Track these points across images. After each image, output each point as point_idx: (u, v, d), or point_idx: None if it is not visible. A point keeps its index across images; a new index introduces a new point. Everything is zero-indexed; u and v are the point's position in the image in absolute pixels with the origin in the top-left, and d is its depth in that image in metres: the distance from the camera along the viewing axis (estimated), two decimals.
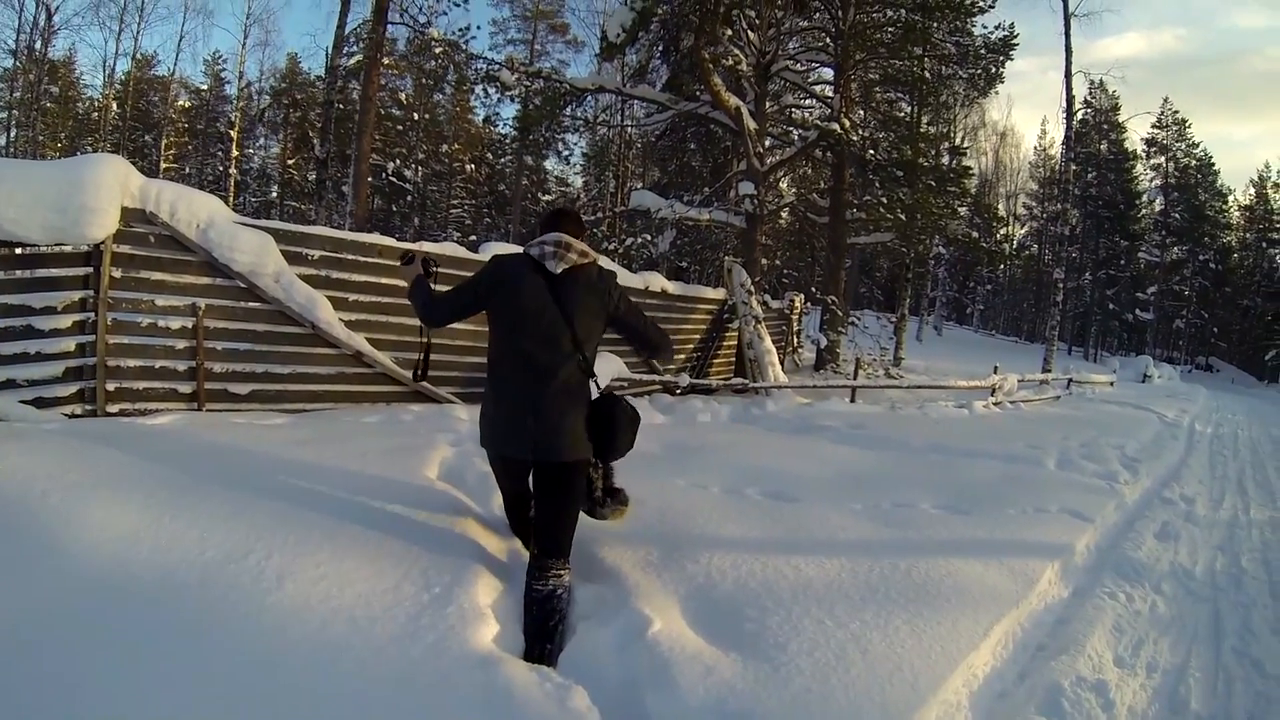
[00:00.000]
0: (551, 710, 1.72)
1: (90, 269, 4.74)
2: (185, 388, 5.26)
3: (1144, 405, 11.97)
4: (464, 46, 15.74)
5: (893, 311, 21.94)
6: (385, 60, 23.41)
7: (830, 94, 14.33)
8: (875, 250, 19.54)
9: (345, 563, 2.35)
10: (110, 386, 4.92)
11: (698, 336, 10.99)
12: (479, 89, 15.09)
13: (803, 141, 13.86)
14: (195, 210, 5.13)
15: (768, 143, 14.17)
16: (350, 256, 6.07)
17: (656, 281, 9.58)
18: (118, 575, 2.16)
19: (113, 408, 4.92)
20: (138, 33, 27.53)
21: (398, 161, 32.90)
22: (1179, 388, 19.87)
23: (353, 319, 6.06)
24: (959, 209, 16.05)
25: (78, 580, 2.11)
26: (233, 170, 31.71)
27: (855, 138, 13.74)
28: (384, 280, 6.22)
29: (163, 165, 29.98)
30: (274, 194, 36.13)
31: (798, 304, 15.56)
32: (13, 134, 25.47)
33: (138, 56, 28.81)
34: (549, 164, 34.53)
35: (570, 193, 33.47)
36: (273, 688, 1.75)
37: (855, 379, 11.45)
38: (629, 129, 23.15)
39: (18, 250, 4.41)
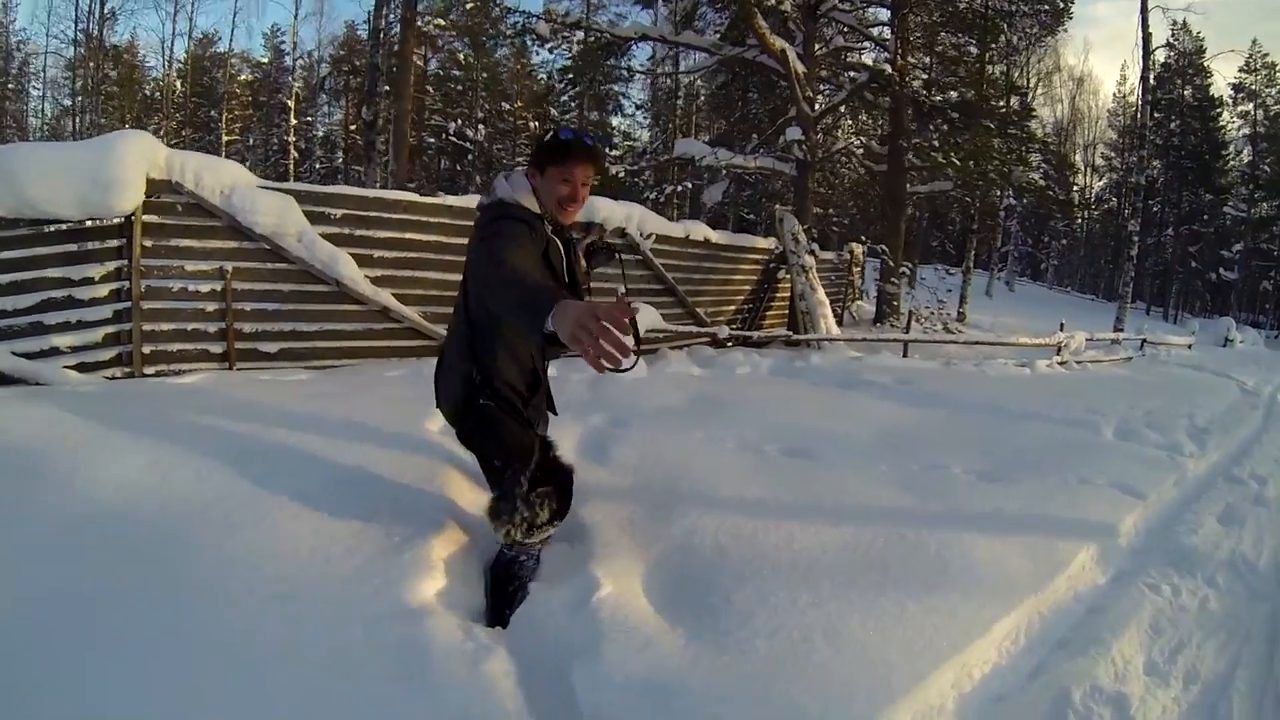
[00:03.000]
0: (461, 670, 1.65)
1: (123, 240, 4.87)
2: (216, 348, 5.40)
3: (1222, 371, 11.06)
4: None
5: (960, 265, 20.90)
6: (439, 21, 23.45)
7: (887, 36, 13.52)
8: (945, 200, 18.52)
9: (319, 509, 2.35)
10: (146, 349, 5.09)
11: (748, 288, 10.70)
12: (526, 42, 14.81)
13: (852, 85, 13.18)
14: (219, 177, 5.21)
15: (821, 88, 13.54)
16: (374, 214, 6.08)
17: (699, 230, 9.27)
18: (113, 510, 2.34)
19: (149, 370, 5.09)
20: (192, 13, 28.29)
21: (459, 122, 32.97)
22: (1263, 354, 18.26)
23: (378, 275, 6.09)
24: (1027, 156, 15.05)
25: (76, 512, 2.32)
26: (291, 139, 32.43)
27: (912, 80, 12.96)
28: (409, 235, 6.25)
29: (224, 139, 30.86)
30: (339, 160, 36.83)
31: (857, 254, 14.90)
32: (85, 119, 26.63)
33: (195, 36, 29.69)
34: (616, 120, 33.91)
35: (637, 146, 32.82)
36: (228, 619, 1.83)
37: (908, 333, 10.97)
38: (687, 80, 22.47)
39: (57, 227, 4.58)
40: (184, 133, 29.91)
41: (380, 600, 1.89)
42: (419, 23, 14.24)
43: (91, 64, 25.52)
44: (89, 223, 4.66)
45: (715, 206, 16.68)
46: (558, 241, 2.12)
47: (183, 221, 5.11)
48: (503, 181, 2.11)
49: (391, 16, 13.63)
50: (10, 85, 28.56)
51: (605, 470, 3.16)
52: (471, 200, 6.69)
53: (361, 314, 6.04)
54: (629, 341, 1.36)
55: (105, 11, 25.54)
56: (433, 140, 31.96)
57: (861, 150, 15.35)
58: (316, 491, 2.47)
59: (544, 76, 32.04)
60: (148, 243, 4.95)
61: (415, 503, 2.47)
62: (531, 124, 34.12)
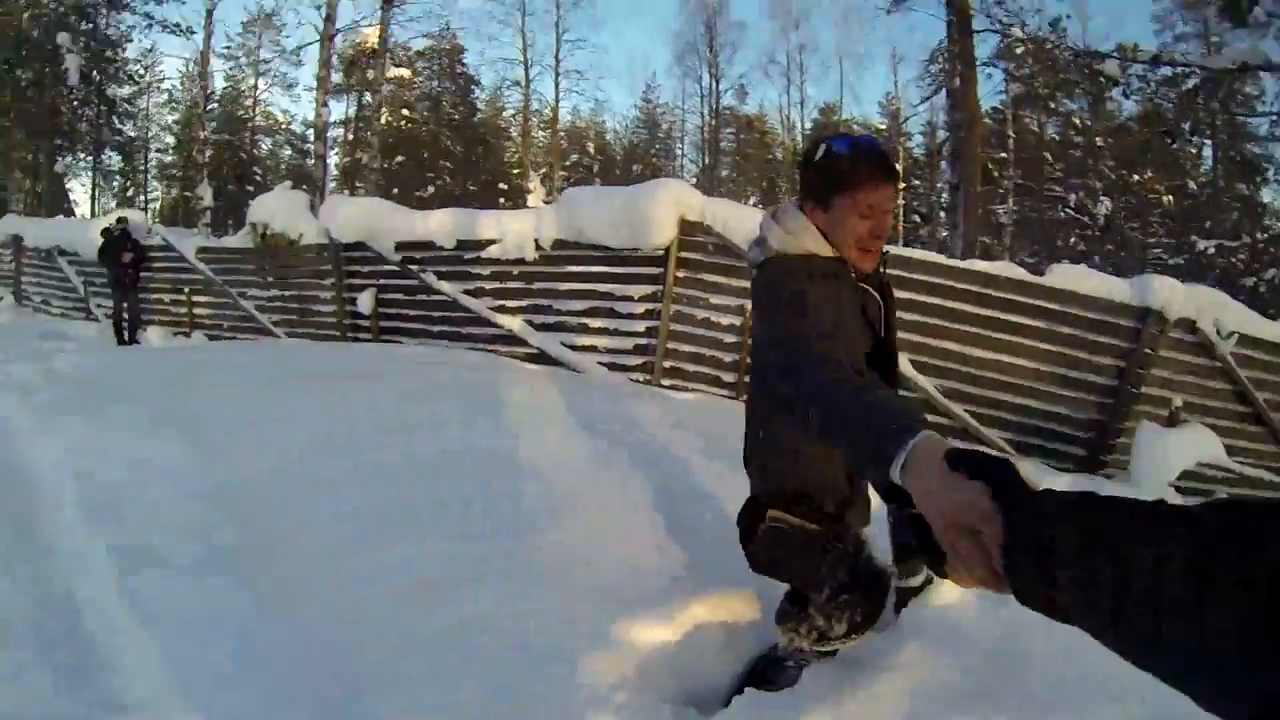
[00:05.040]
0: None
1: (660, 269, 6.00)
2: (728, 376, 6.06)
3: None
4: (1056, 41, 13.22)
5: None
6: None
7: None
8: None
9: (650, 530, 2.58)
10: (666, 364, 6.12)
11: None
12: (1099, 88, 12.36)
13: None
14: (744, 223, 5.93)
15: None
16: (900, 273, 5.50)
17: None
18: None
19: (665, 382, 6.09)
20: (802, 84, 32.76)
21: (1080, 194, 29.79)
22: None
23: (899, 338, 5.70)
24: None
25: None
26: (900, 202, 34.26)
27: None
28: (935, 301, 5.65)
29: None
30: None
31: None
32: (717, 173, 33.45)
33: (816, 104, 34.39)
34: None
35: None
36: None
37: None
38: None
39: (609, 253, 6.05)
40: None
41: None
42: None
43: (723, 129, 31.94)
44: (629, 252, 5.95)
45: None
46: (874, 293, 1.68)
47: (712, 259, 5.99)
48: (772, 223, 1.65)
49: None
50: (658, 148, 37.23)
51: None
52: (1005, 268, 5.91)
53: None
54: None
55: (724, 88, 31.97)
56: (1053, 212, 29.39)
57: None
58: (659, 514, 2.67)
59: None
60: (680, 274, 6.00)
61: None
62: (1165, 198, 28.64)
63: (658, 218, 5.72)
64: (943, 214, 31.05)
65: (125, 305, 9.11)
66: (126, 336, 9.06)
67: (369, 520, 2.56)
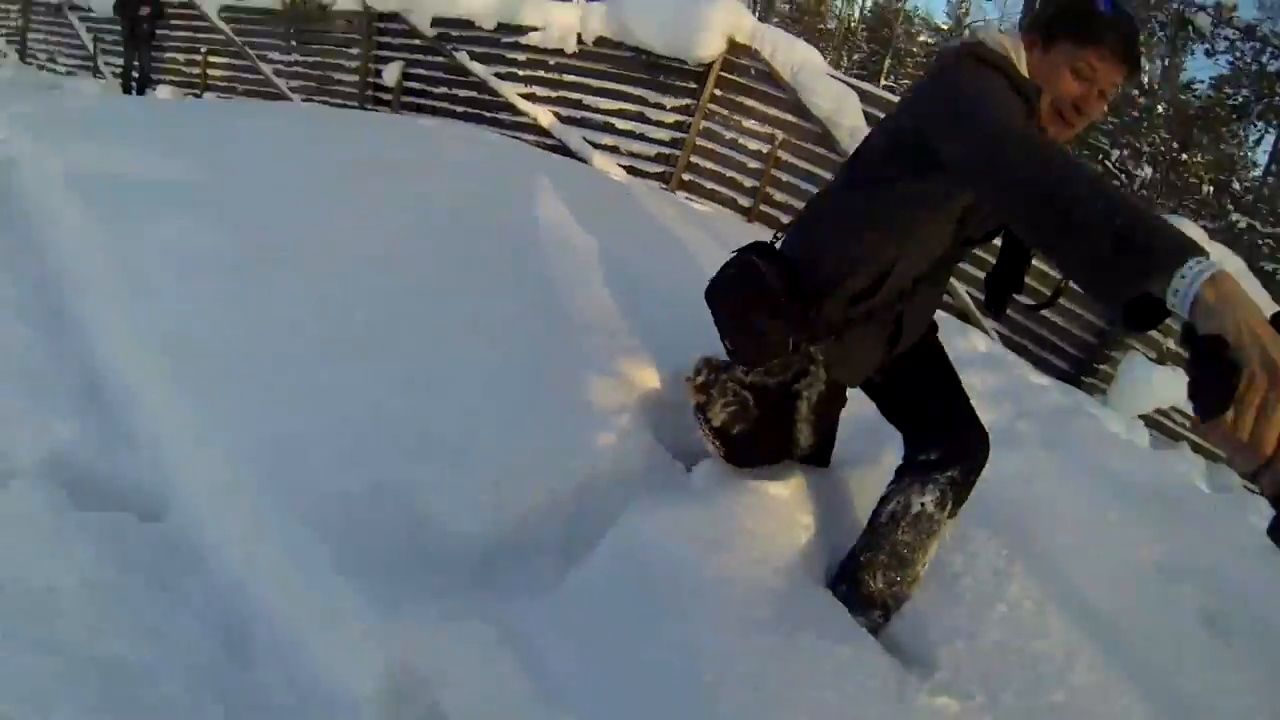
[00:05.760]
0: None
1: (698, 85, 5.90)
2: (744, 200, 6.07)
3: None
4: None
5: None
6: None
7: None
8: None
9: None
10: (685, 177, 6.13)
11: None
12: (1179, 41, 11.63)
13: None
14: (792, 54, 5.78)
15: None
16: None
17: None
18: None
19: (680, 194, 6.09)
20: None
21: (1125, 152, 28.31)
22: None
23: None
24: None
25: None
26: None
27: None
28: None
29: (881, 83, 33.06)
30: None
31: None
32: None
33: None
34: None
35: None
36: None
37: None
38: None
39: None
40: (845, 67, 33.01)
41: None
42: None
43: None
44: (669, 61, 5.88)
45: None
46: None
47: (751, 84, 5.89)
48: (990, 30, 1.35)
49: None
50: None
51: None
52: None
53: None
54: None
55: None
56: (1092, 160, 28.22)
57: None
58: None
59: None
60: (717, 92, 5.90)
61: None
62: (1206, 187, 27.23)
63: (708, 31, 5.59)
64: None
65: (136, 61, 8.71)
66: (135, 91, 8.77)
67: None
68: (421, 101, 7.09)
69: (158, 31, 8.80)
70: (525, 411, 1.82)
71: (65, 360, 1.87)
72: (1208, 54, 12.78)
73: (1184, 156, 28.56)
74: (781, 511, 1.59)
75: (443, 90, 6.96)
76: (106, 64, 10.04)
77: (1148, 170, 26.53)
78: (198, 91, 9.01)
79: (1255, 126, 22.23)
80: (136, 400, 1.74)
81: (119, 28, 8.76)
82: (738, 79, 5.87)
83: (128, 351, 1.87)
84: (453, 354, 1.95)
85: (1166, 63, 25.54)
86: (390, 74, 7.03)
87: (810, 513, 1.64)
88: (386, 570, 1.38)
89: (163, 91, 8.93)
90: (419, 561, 1.44)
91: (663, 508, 1.55)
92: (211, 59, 8.93)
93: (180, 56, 9.29)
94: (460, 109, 6.84)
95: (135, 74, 8.72)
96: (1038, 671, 1.42)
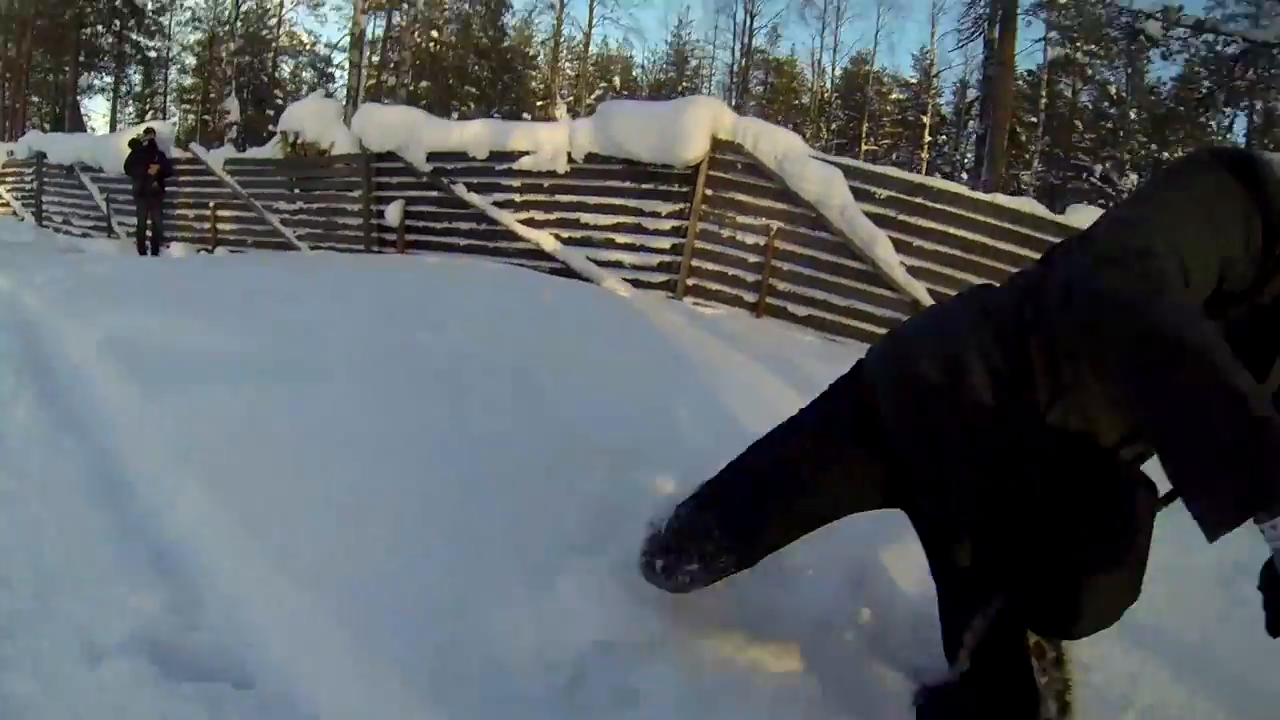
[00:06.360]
0: None
1: (688, 187, 6.04)
2: (749, 296, 6.09)
3: None
4: None
5: None
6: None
7: None
8: None
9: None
10: (690, 281, 6.19)
11: None
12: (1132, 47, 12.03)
13: None
14: (775, 143, 5.92)
15: None
16: (918, 200, 5.79)
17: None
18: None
19: (687, 300, 6.16)
20: (836, 29, 31.90)
21: (1106, 165, 28.86)
22: None
23: (915, 264, 5.77)
24: None
25: None
26: (924, 156, 33.54)
27: None
28: (951, 230, 5.74)
29: (863, 148, 33.71)
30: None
31: None
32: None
33: (848, 54, 33.51)
34: None
35: None
36: None
37: None
38: None
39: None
40: (825, 138, 33.77)
41: None
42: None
43: (752, 72, 31.46)
44: (658, 168, 6.00)
45: None
46: None
47: (739, 178, 6.01)
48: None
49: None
50: (685, 86, 36.51)
51: None
52: (1025, 203, 5.92)
53: (892, 301, 5.73)
54: None
55: (758, 26, 31.72)
56: (1079, 181, 28.69)
57: None
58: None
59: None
60: (708, 191, 6.03)
61: None
62: None
63: (692, 132, 5.74)
64: (964, 175, 30.35)
65: (149, 219, 9.04)
66: (150, 250, 9.09)
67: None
68: (425, 239, 7.30)
69: (167, 188, 9.17)
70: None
71: (131, 534, 1.89)
72: (1163, 57, 13.10)
73: (1164, 155, 28.84)
74: None
75: (444, 225, 7.17)
76: (120, 223, 10.47)
77: (1133, 177, 26.84)
78: (209, 247, 9.34)
79: (1224, 113, 22.71)
80: (209, 566, 1.75)
81: (130, 186, 9.16)
82: (726, 175, 6.01)
83: (196, 521, 1.88)
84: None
85: (1130, 71, 26.19)
86: (392, 213, 7.27)
87: None
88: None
89: (176, 249, 9.28)
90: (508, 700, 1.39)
91: None
92: (220, 213, 9.29)
93: (190, 212, 9.69)
94: (463, 242, 7.03)
95: (149, 232, 9.04)
96: None
